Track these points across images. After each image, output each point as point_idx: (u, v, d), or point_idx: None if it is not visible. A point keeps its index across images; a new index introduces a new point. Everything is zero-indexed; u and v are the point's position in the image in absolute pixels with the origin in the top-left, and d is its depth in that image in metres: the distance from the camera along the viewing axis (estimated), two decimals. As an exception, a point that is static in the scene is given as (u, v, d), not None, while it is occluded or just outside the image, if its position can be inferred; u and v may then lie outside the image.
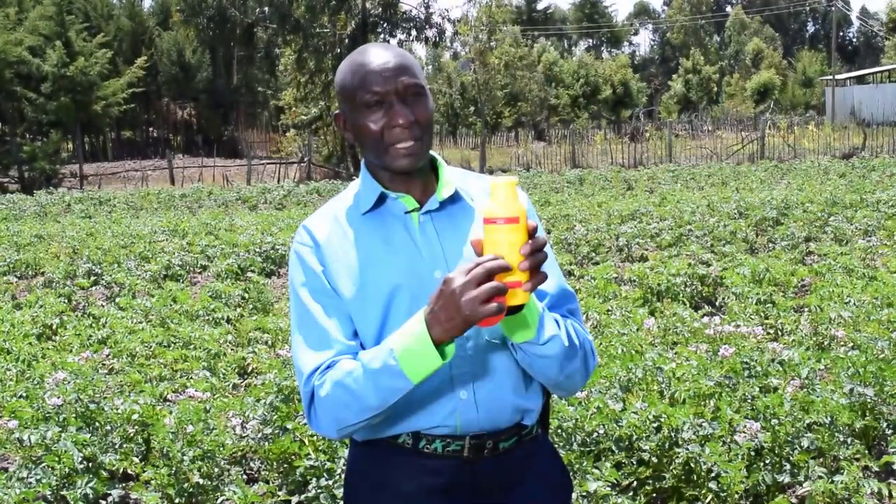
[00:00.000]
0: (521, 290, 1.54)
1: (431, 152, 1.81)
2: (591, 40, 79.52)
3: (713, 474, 3.64)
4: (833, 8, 54.53)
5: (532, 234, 1.55)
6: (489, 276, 1.51)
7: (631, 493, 3.74)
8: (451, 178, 1.81)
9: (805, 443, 3.79)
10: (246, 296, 8.13)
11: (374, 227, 1.78)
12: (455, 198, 1.80)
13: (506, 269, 1.52)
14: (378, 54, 1.73)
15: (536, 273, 1.54)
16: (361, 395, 1.64)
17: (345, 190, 1.88)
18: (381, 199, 1.79)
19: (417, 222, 1.77)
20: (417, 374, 1.60)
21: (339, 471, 3.74)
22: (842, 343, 5.26)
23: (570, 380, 1.76)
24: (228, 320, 7.16)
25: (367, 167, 1.82)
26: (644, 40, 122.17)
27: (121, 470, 4.24)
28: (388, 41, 31.88)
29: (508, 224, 1.53)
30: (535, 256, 1.53)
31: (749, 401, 4.18)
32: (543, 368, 1.72)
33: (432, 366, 1.59)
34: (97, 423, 4.29)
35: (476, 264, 1.53)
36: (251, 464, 4.32)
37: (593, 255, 10.05)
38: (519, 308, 1.59)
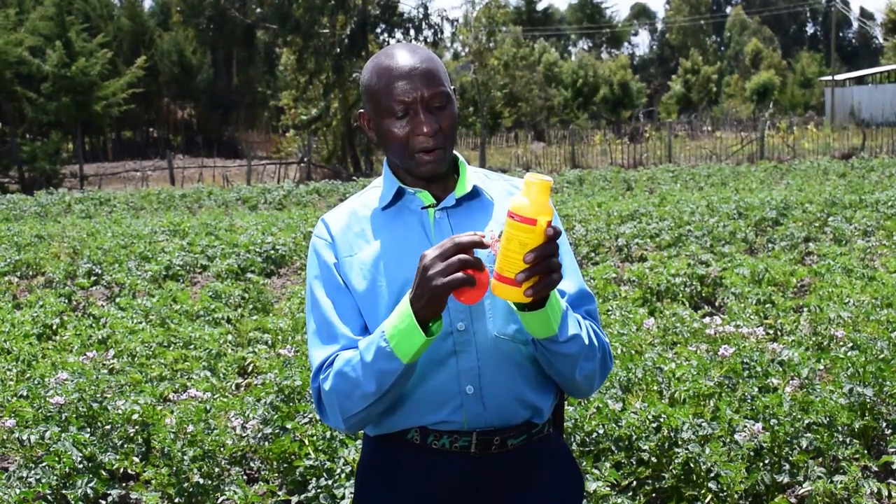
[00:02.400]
0: (519, 289, 1.55)
1: (454, 152, 1.83)
2: (590, 41, 79.51)
3: (713, 474, 3.65)
4: (832, 9, 54.55)
5: (550, 240, 1.54)
6: (458, 249, 1.54)
7: (630, 493, 3.74)
8: (472, 177, 1.83)
9: (804, 443, 3.80)
10: (246, 296, 8.13)
11: (391, 222, 1.80)
12: (473, 194, 1.82)
13: (479, 245, 1.55)
14: (405, 58, 1.74)
15: (540, 279, 1.54)
16: (359, 381, 1.67)
17: (367, 186, 1.91)
18: (400, 195, 1.81)
19: (433, 218, 1.78)
20: (406, 353, 1.61)
21: (338, 471, 3.75)
22: (841, 343, 5.26)
23: (588, 380, 1.77)
24: (228, 320, 7.16)
25: (389, 165, 1.84)
26: (643, 41, 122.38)
27: (121, 470, 4.25)
28: (388, 42, 31.89)
29: (524, 224, 1.53)
30: (537, 266, 1.53)
31: (749, 401, 4.18)
32: (562, 367, 1.73)
33: (417, 342, 1.60)
34: (98, 423, 4.30)
35: (449, 239, 1.56)
36: (251, 464, 4.33)
37: (593, 255, 10.06)
38: (541, 305, 1.61)
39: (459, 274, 1.54)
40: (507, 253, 1.55)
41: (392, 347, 1.62)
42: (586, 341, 1.72)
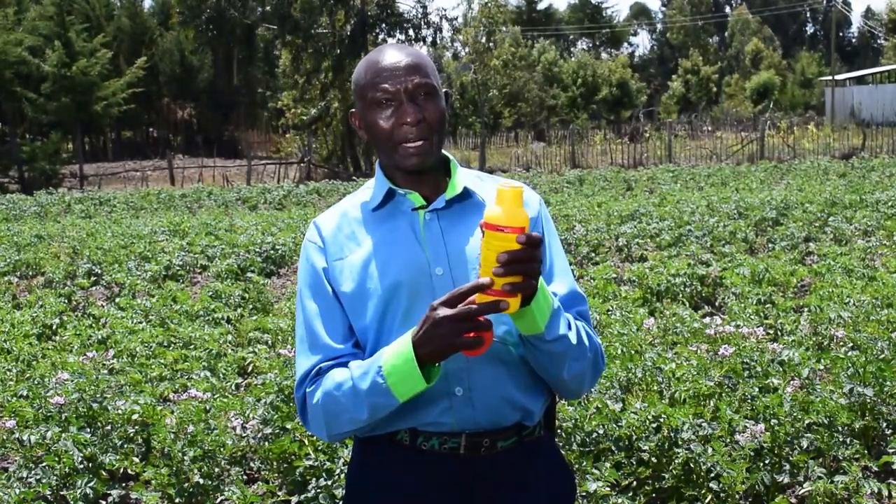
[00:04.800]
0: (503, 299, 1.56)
1: (446, 153, 1.83)
2: (589, 41, 79.49)
3: (713, 474, 3.64)
4: (832, 8, 54.54)
5: (529, 245, 1.54)
6: (474, 314, 1.55)
7: (630, 494, 3.74)
8: (463, 179, 1.83)
9: (805, 443, 3.80)
10: (246, 296, 8.13)
11: (381, 223, 1.80)
12: (464, 196, 1.81)
13: (495, 310, 1.54)
14: (392, 54, 1.77)
15: (521, 282, 1.54)
16: (350, 407, 1.69)
17: (360, 188, 1.91)
18: (390, 196, 1.81)
19: (423, 220, 1.78)
20: (403, 394, 1.64)
21: (338, 471, 3.74)
22: (841, 343, 5.26)
23: (577, 381, 1.77)
24: (228, 320, 7.16)
25: (381, 166, 1.85)
26: (643, 41, 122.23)
27: (121, 470, 4.25)
28: (387, 41, 31.89)
29: (501, 232, 1.54)
30: (513, 267, 1.53)
31: (749, 401, 4.18)
32: (548, 365, 1.73)
33: (417, 387, 1.63)
34: (98, 423, 4.30)
35: (468, 301, 1.56)
36: (251, 464, 4.32)
37: (593, 255, 10.06)
38: (526, 303, 1.60)
39: (468, 340, 1.56)
40: (487, 263, 1.54)
41: (389, 385, 1.63)
42: (574, 341, 1.72)
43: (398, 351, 1.63)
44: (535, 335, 1.66)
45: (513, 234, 1.53)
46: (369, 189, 1.86)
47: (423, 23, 32.00)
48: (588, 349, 1.76)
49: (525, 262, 1.53)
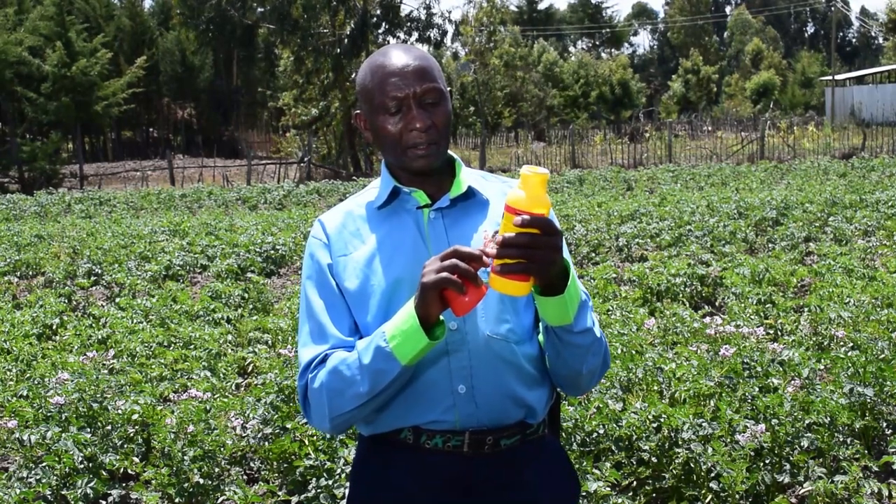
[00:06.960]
0: (517, 283, 1.56)
1: (451, 153, 1.84)
2: (589, 41, 79.48)
3: (713, 474, 3.65)
4: (832, 8, 54.54)
5: (540, 230, 1.54)
6: (455, 255, 1.56)
7: (631, 493, 3.74)
8: (468, 178, 1.84)
9: (805, 443, 3.80)
10: (246, 296, 8.13)
11: (386, 221, 1.81)
12: (468, 195, 1.82)
13: (478, 259, 1.56)
14: (398, 57, 1.76)
15: (513, 264, 1.54)
16: (354, 380, 1.67)
17: (365, 188, 1.92)
18: (395, 194, 1.82)
19: (427, 218, 1.79)
20: (405, 355, 1.62)
21: (338, 471, 3.74)
22: (842, 343, 5.26)
23: (590, 376, 1.79)
24: (228, 320, 7.16)
25: (386, 166, 1.85)
26: (643, 41, 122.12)
27: (121, 470, 4.25)
28: (389, 41, 31.87)
29: (516, 215, 1.55)
30: (507, 251, 1.54)
31: (749, 401, 4.18)
32: (570, 358, 1.74)
33: (418, 344, 1.61)
34: (98, 423, 4.30)
35: (451, 247, 1.59)
36: (251, 464, 4.33)
37: (593, 255, 10.06)
38: (559, 291, 1.62)
39: (446, 273, 1.55)
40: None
41: (392, 348, 1.62)
42: (598, 334, 1.75)
43: (401, 313, 1.64)
44: (564, 326, 1.67)
45: (518, 217, 1.54)
46: (374, 189, 1.86)
47: (427, 23, 31.92)
48: (602, 345, 1.79)
49: (522, 248, 1.53)
